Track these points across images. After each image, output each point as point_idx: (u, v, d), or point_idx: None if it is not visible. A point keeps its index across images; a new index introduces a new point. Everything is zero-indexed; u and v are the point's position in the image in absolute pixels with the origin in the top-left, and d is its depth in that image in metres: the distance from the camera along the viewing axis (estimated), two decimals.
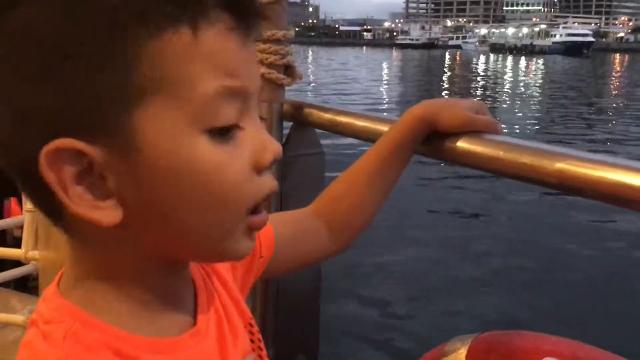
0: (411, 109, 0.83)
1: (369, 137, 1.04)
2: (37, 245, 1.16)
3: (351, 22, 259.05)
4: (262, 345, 0.65)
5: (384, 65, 50.56)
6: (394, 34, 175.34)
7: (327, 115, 1.16)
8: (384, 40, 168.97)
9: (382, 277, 4.98)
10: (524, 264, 5.45)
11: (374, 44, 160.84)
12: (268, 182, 0.50)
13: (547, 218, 6.84)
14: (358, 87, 26.04)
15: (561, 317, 4.17)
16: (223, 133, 0.46)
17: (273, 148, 0.49)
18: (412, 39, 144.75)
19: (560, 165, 0.74)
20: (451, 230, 6.58)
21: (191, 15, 0.43)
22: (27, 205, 1.16)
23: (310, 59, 61.17)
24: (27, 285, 1.66)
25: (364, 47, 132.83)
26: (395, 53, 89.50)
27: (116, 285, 0.49)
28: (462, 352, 0.93)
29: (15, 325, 1.22)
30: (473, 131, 0.83)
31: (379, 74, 38.31)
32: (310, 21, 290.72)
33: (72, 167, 0.43)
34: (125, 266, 0.49)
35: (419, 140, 0.84)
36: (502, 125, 0.88)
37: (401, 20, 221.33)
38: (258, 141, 0.49)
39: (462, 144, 0.83)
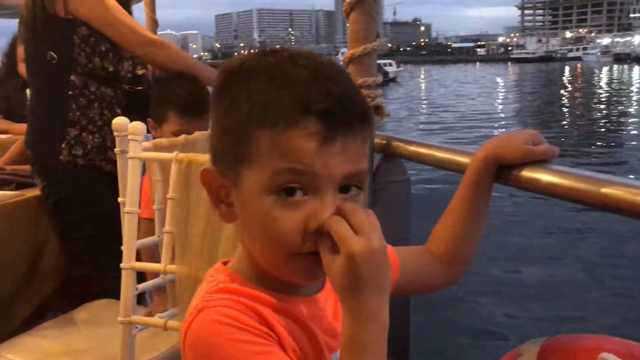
0: (475, 153, 0.98)
1: (447, 167, 1.20)
2: (173, 261, 1.41)
3: (464, 39, 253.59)
4: None
5: (499, 80, 49.16)
6: (509, 48, 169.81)
7: (412, 148, 1.33)
8: (498, 55, 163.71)
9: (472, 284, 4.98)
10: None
11: (488, 59, 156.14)
12: (312, 241, 0.67)
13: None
14: (470, 104, 25.58)
15: None
16: (285, 197, 0.66)
17: (318, 219, 0.66)
18: (528, 53, 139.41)
19: (605, 190, 0.87)
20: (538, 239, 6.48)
21: (285, 120, 0.65)
22: (166, 227, 1.40)
23: (422, 77, 60.83)
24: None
25: (477, 63, 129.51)
26: (511, 67, 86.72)
27: (256, 264, 0.74)
28: (534, 353, 1.03)
29: (154, 327, 1.46)
30: (535, 160, 0.95)
31: (493, 89, 37.36)
32: (422, 40, 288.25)
33: (214, 181, 0.72)
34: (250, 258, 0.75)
35: (491, 176, 0.97)
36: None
37: (516, 35, 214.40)
38: (313, 211, 0.67)
39: (526, 173, 0.96)
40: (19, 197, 2.14)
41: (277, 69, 0.68)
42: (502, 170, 0.97)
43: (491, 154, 0.96)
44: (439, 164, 1.23)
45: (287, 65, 0.68)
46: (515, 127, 16.90)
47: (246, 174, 0.68)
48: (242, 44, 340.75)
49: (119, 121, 1.47)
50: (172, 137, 1.79)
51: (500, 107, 24.85)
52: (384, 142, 1.40)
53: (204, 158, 1.34)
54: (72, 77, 2.05)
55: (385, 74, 54.46)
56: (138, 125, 1.37)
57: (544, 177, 0.95)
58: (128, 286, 1.38)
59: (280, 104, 0.66)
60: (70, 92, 2.05)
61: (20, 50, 3.82)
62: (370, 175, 1.37)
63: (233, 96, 0.69)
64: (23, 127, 3.40)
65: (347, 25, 1.37)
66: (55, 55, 2.04)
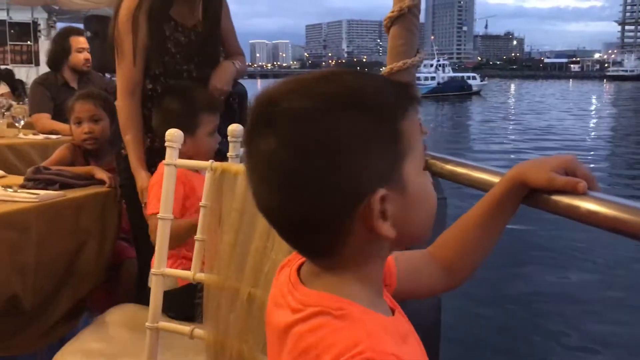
0: (507, 172, 0.96)
1: (482, 187, 1.14)
2: (203, 269, 1.42)
3: (559, 54, 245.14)
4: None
5: (593, 98, 47.04)
6: (605, 65, 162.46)
7: (448, 167, 1.28)
8: (593, 72, 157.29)
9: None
10: None
11: (582, 76, 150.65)
12: None
13: None
14: (557, 120, 24.72)
15: None
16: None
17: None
18: (626, 70, 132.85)
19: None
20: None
21: (413, 105, 0.71)
22: (199, 234, 1.41)
23: (511, 91, 59.04)
24: None
25: (570, 80, 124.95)
26: (607, 85, 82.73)
27: (357, 276, 0.72)
28: None
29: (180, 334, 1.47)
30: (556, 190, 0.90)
31: (586, 107, 35.86)
32: (513, 55, 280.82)
33: (379, 206, 0.68)
34: (368, 264, 0.73)
35: (518, 197, 0.94)
36: None
37: (614, 51, 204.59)
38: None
39: (560, 198, 0.90)
40: (61, 197, 2.19)
41: (365, 74, 0.74)
42: (535, 193, 0.93)
43: (518, 176, 0.93)
44: (475, 184, 1.18)
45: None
46: (605, 149, 16.21)
47: (408, 164, 0.70)
48: (330, 54, 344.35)
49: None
50: (209, 139, 1.87)
51: (593, 126, 23.81)
52: None
53: (238, 167, 1.35)
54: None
55: (469, 87, 53.59)
56: (175, 133, 1.39)
57: (581, 204, 0.88)
58: (157, 292, 1.40)
59: (401, 92, 0.72)
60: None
61: (76, 41, 4.02)
62: None
63: (354, 120, 0.67)
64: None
65: (388, 39, 1.34)
66: None
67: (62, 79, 3.97)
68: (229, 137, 1.58)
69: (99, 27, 8.26)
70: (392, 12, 1.26)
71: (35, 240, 2.07)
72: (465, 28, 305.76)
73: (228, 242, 1.35)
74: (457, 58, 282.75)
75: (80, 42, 4.06)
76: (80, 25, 8.94)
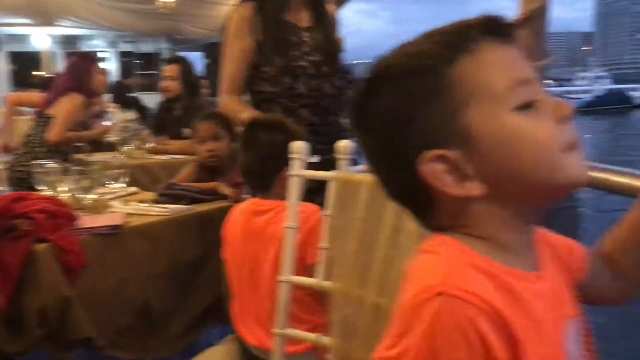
0: None
1: (623, 192, 1.09)
2: (329, 278, 1.44)
3: None
4: (584, 320, 0.77)
5: None
6: None
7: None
8: None
9: None
10: None
11: None
12: (569, 130, 0.67)
13: None
14: None
15: None
16: (526, 108, 0.65)
17: (563, 105, 0.67)
18: None
19: None
20: None
21: (465, 45, 0.65)
22: (322, 244, 1.44)
23: None
24: None
25: None
26: None
27: (482, 235, 0.68)
28: None
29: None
30: None
31: None
32: None
33: (442, 166, 0.66)
34: (489, 226, 0.68)
35: None
36: None
37: None
38: (551, 105, 0.67)
39: None
40: (190, 210, 2.33)
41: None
42: None
43: None
44: (613, 189, 1.12)
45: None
46: None
47: (473, 112, 0.65)
48: None
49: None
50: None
51: None
52: None
53: (360, 177, 1.37)
54: None
55: (629, 99, 48.16)
56: (301, 144, 1.43)
57: None
58: (284, 297, 1.44)
59: (431, 48, 0.67)
60: None
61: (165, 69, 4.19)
62: None
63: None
64: (179, 144, 3.82)
65: None
66: None
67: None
68: (338, 154, 1.48)
69: (219, 54, 8.74)
70: (521, 14, 1.24)
71: (166, 250, 2.21)
72: (638, 36, 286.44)
73: (352, 251, 1.37)
74: (631, 68, 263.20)
75: (165, 70, 4.20)
76: (200, 54, 9.49)
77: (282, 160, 1.51)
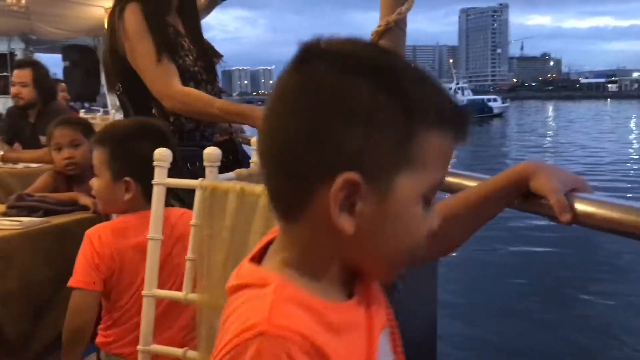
0: (519, 163, 0.93)
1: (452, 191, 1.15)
2: (194, 289, 1.40)
3: (598, 74, 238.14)
4: (394, 325, 0.78)
5: (631, 118, 46.25)
6: None
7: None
8: (632, 92, 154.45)
9: None
10: None
11: (620, 96, 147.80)
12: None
13: None
14: (582, 143, 24.38)
15: None
16: (427, 205, 0.67)
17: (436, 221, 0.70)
18: None
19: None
20: None
21: (450, 124, 0.65)
22: (190, 254, 1.39)
23: (549, 113, 57.85)
24: None
25: (608, 100, 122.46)
26: None
27: (310, 271, 0.66)
28: None
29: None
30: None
31: (622, 128, 35.37)
32: (549, 75, 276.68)
33: (345, 190, 0.62)
34: (324, 264, 0.67)
35: (516, 192, 0.92)
36: None
37: None
38: (434, 214, 0.69)
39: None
40: (45, 223, 2.18)
41: (417, 68, 0.67)
42: (530, 196, 0.91)
43: (524, 173, 0.91)
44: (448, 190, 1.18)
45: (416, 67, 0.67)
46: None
47: (407, 177, 0.64)
48: None
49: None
50: None
51: (630, 150, 23.08)
52: None
53: (228, 185, 1.34)
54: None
55: (489, 109, 53.07)
56: (164, 152, 1.38)
57: (577, 206, 0.87)
58: (149, 314, 1.37)
59: (443, 105, 0.65)
60: None
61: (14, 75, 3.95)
62: None
63: (371, 92, 0.62)
64: (33, 152, 3.59)
65: None
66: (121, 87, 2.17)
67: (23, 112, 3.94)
68: (204, 162, 1.44)
69: (77, 57, 8.26)
70: (379, 26, 1.28)
71: (18, 267, 2.03)
72: (499, 50, 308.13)
73: (220, 261, 1.34)
74: (492, 80, 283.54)
75: (15, 75, 3.97)
76: (59, 55, 8.92)
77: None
